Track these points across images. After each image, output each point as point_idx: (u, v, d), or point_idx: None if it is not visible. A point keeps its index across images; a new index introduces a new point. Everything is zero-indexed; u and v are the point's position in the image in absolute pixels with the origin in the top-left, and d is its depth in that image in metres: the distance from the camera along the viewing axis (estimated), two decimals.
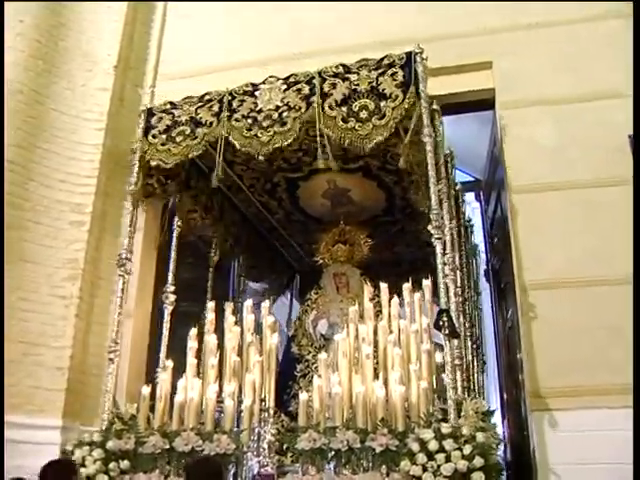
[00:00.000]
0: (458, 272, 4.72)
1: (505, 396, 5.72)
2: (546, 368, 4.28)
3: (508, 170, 4.91)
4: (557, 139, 4.85)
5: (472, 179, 7.06)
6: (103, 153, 5.48)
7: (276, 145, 4.42)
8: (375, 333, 4.66)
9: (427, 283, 4.83)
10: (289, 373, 5.73)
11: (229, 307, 5.14)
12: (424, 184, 4.43)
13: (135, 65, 6.09)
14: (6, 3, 5.40)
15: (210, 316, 4.98)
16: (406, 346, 4.47)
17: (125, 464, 3.99)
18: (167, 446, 4.04)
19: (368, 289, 5.02)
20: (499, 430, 4.48)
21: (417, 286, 4.93)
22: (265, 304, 5.18)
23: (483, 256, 6.53)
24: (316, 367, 5.75)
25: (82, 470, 3.94)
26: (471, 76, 5.28)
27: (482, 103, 5.33)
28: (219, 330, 4.95)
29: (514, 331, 5.00)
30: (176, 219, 5.13)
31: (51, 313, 4.96)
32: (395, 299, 4.80)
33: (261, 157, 4.46)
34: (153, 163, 4.77)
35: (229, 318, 4.95)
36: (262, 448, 4.03)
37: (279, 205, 6.04)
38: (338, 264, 6.03)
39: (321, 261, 6.14)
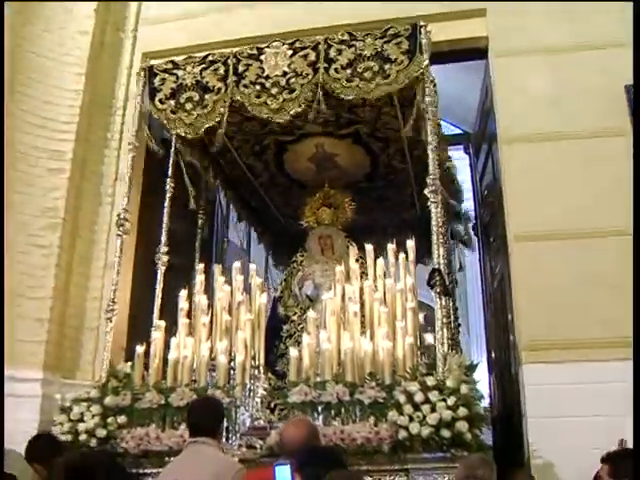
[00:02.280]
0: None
1: (492, 352, 5.82)
2: (538, 320, 4.27)
3: (501, 120, 4.85)
4: (552, 88, 4.75)
5: (460, 132, 6.91)
6: (83, 99, 5.31)
7: (288, 112, 4.51)
8: (361, 293, 4.81)
9: (411, 244, 4.98)
10: (275, 333, 5.86)
11: (218, 268, 5.26)
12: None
13: (116, 8, 5.85)
14: None
15: (200, 277, 5.08)
16: (392, 304, 4.63)
17: (122, 419, 4.13)
18: (163, 401, 4.18)
19: (353, 250, 5.16)
20: (485, 385, 4.67)
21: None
22: (253, 266, 5.31)
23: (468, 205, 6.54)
24: (302, 327, 5.91)
25: (81, 425, 4.08)
26: (463, 23, 5.17)
27: (474, 52, 5.24)
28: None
29: (504, 284, 5.07)
30: (169, 180, 5.16)
31: (29, 263, 4.84)
32: (381, 259, 4.95)
33: (279, 120, 4.58)
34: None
35: (219, 279, 5.07)
36: (255, 402, 4.17)
37: (265, 167, 6.08)
38: (323, 227, 6.15)
39: (306, 224, 6.24)
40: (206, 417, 3.36)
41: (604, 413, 3.86)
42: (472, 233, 6.53)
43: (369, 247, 5.09)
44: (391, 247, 5.00)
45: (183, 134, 4.79)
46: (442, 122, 5.68)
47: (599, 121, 4.59)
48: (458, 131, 6.96)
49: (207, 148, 5.34)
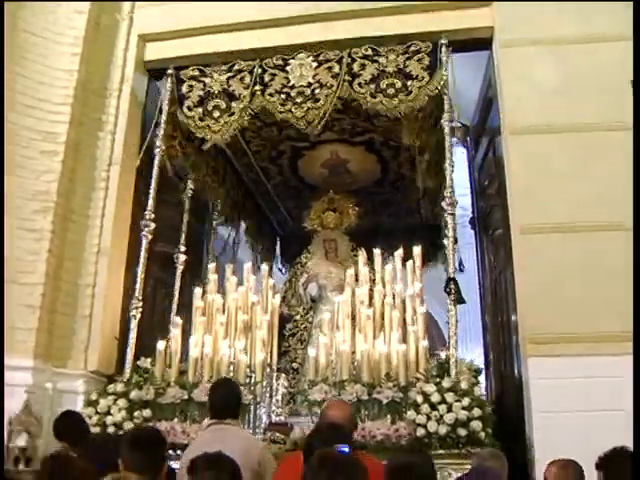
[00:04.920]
0: None
1: (489, 349, 5.94)
2: (543, 313, 4.26)
3: (506, 111, 4.82)
4: (558, 80, 4.71)
5: (458, 124, 6.92)
6: (78, 80, 5.15)
7: (310, 120, 4.72)
8: (370, 296, 5.03)
9: (418, 251, 5.22)
10: (278, 332, 6.04)
11: (229, 268, 5.42)
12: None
13: None
14: None
15: (213, 277, 5.25)
16: (401, 309, 4.87)
17: (147, 412, 4.28)
18: (186, 397, 4.34)
19: (363, 255, 5.38)
20: (483, 384, 4.89)
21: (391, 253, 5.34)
22: (264, 267, 5.49)
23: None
24: (304, 326, 6.14)
25: (109, 418, 4.21)
26: (468, 13, 5.09)
27: (478, 42, 5.21)
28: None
29: (504, 277, 5.16)
30: (190, 182, 5.28)
31: (20, 247, 4.66)
32: (389, 265, 5.17)
33: (302, 125, 4.76)
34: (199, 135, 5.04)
35: (231, 279, 5.24)
36: (276, 399, 4.37)
37: (279, 171, 6.32)
38: (328, 230, 6.37)
39: (310, 227, 6.46)
40: (227, 399, 3.48)
41: (612, 408, 3.88)
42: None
43: (377, 252, 5.30)
44: (398, 253, 5.24)
45: (210, 140, 4.96)
46: None
47: (605, 114, 4.59)
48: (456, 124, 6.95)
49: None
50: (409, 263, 5.12)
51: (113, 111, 5.36)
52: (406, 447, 3.81)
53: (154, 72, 5.57)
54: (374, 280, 5.21)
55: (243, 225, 6.94)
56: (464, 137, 6.69)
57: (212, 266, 5.40)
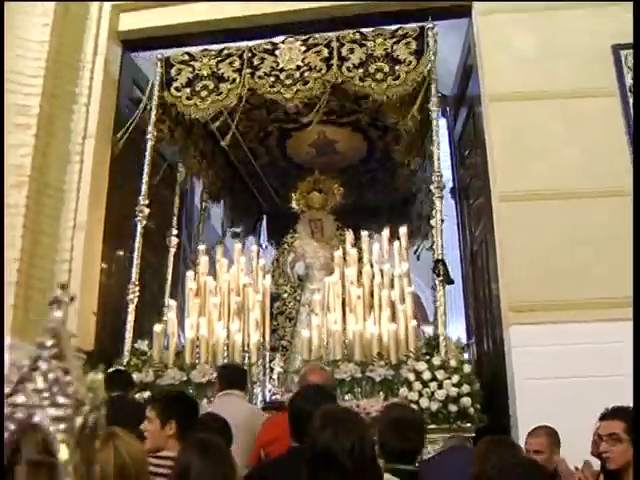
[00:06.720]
0: None
1: (471, 321, 5.94)
2: (524, 281, 4.26)
3: (486, 78, 4.81)
4: (538, 47, 4.70)
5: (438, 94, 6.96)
6: (49, 51, 5.03)
7: (298, 101, 4.80)
8: (358, 277, 5.17)
9: (404, 231, 5.36)
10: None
11: (220, 250, 5.51)
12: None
13: None
14: None
15: (204, 259, 5.32)
16: (389, 288, 5.02)
17: (147, 394, 4.38)
18: (185, 378, 4.46)
19: (350, 235, 5.50)
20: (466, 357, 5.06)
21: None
22: (254, 247, 5.59)
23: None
24: (293, 305, 6.28)
25: None
26: None
27: (457, 10, 5.18)
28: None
29: (486, 246, 5.19)
30: (180, 166, 5.34)
31: None
32: (377, 246, 5.30)
33: (290, 104, 4.85)
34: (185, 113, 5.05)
35: (222, 260, 5.33)
36: (272, 379, 4.52)
37: (266, 151, 6.41)
38: (314, 210, 6.49)
39: (296, 208, 6.56)
40: (236, 374, 3.85)
41: (595, 374, 3.90)
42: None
43: (364, 233, 5.43)
44: (385, 234, 5.37)
45: (197, 118, 5.03)
46: None
47: (585, 80, 4.59)
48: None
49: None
50: (396, 243, 5.26)
51: (87, 83, 5.26)
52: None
53: (129, 43, 5.51)
54: (361, 259, 5.35)
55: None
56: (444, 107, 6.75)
57: (202, 248, 5.46)
